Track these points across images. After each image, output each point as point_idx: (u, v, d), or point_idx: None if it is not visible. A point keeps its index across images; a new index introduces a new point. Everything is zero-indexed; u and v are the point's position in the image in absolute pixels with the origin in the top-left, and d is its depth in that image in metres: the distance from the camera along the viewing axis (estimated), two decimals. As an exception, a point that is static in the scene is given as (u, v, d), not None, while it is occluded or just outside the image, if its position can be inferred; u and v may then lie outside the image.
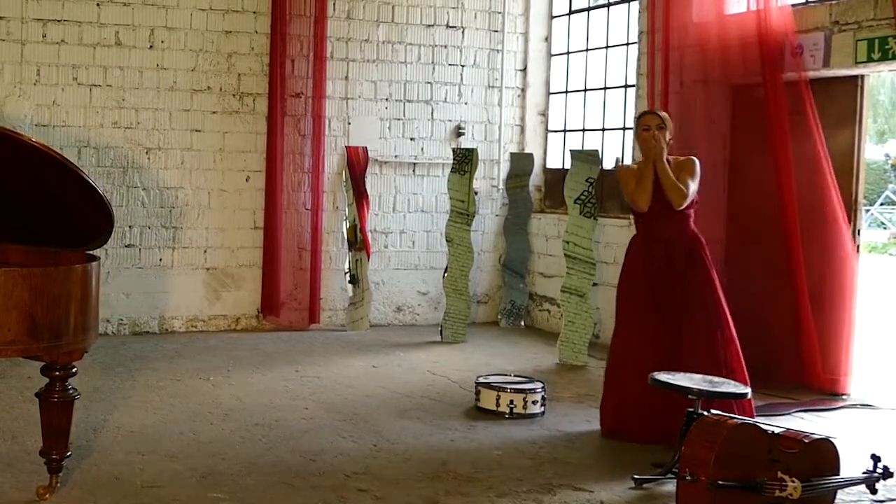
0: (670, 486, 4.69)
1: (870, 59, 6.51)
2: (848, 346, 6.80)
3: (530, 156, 9.70)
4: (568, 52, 9.81)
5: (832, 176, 6.71)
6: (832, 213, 6.72)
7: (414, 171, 9.44)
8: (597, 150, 8.70)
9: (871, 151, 22.79)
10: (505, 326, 9.53)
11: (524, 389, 6.14)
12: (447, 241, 8.80)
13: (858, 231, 7.03)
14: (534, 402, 6.10)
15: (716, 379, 5.08)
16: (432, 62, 9.45)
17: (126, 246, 8.45)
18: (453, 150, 8.94)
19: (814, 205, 6.78)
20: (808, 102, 6.77)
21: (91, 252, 4.68)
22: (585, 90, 9.54)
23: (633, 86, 8.56)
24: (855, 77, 6.88)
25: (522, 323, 9.60)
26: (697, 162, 5.67)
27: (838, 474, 4.44)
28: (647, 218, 5.70)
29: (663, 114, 5.82)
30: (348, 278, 8.99)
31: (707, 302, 5.58)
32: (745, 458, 4.20)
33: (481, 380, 6.36)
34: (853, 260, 6.77)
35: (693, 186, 5.57)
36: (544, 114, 9.97)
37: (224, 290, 8.83)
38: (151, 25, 8.44)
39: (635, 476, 4.91)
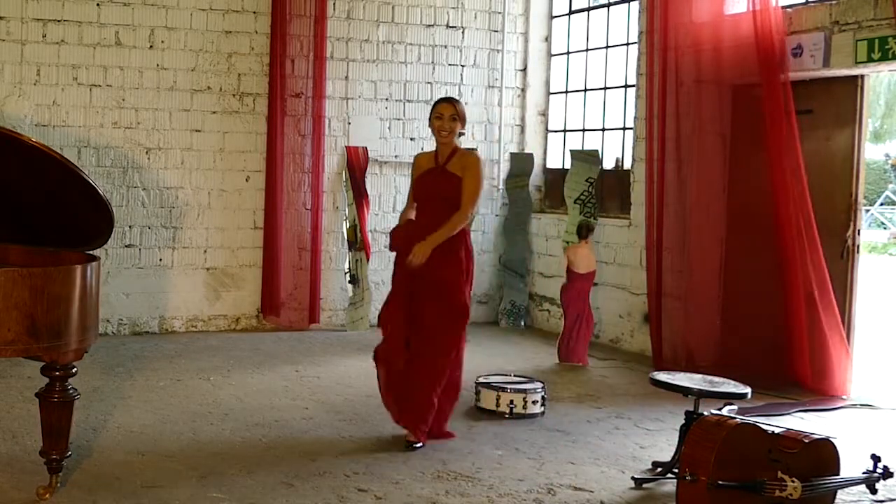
0: (670, 486, 4.69)
1: (870, 59, 6.51)
2: (846, 347, 6.80)
3: (530, 156, 9.69)
4: (568, 52, 9.81)
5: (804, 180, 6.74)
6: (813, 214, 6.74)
7: (414, 171, 9.43)
8: (597, 150, 8.70)
9: (871, 151, 22.79)
10: (505, 326, 9.52)
11: (524, 389, 6.14)
12: (447, 241, 8.78)
13: (858, 231, 7.03)
14: (534, 402, 6.10)
15: (716, 379, 5.07)
16: (432, 62, 9.45)
17: (126, 246, 8.45)
18: (453, 150, 8.93)
19: (803, 205, 6.78)
20: (791, 104, 6.80)
21: (91, 252, 4.69)
22: (585, 90, 9.53)
23: (633, 86, 8.56)
24: (855, 77, 6.88)
25: (522, 323, 9.59)
26: (481, 160, 5.51)
27: (838, 474, 4.44)
28: (420, 203, 5.54)
29: (460, 105, 5.49)
30: (348, 278, 8.99)
31: (450, 295, 5.41)
32: (745, 458, 4.20)
33: (481, 380, 6.37)
34: (824, 262, 6.73)
35: (477, 196, 5.40)
36: (544, 114, 9.96)
37: (224, 290, 8.83)
38: (151, 25, 8.44)
39: (635, 476, 4.91)
